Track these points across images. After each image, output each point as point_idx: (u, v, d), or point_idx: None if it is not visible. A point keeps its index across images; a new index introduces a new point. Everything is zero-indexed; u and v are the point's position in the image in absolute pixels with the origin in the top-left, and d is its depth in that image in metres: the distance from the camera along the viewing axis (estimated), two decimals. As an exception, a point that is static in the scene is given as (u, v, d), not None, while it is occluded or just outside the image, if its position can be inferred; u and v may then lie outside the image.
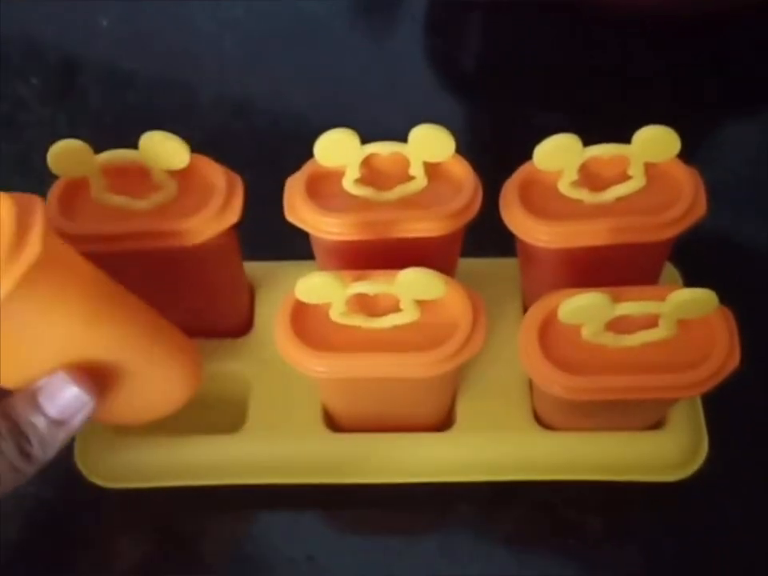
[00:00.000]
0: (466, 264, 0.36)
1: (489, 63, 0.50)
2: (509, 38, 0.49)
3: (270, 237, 0.36)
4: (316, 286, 0.28)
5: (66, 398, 0.27)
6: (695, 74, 0.47)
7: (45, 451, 0.27)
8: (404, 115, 0.45)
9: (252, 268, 0.38)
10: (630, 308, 0.28)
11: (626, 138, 0.42)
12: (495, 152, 0.45)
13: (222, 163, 0.43)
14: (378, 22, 0.50)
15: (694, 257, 0.37)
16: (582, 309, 0.28)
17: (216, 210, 0.31)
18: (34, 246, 0.23)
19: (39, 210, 0.24)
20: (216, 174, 0.32)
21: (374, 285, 0.28)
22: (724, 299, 0.37)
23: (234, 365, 0.36)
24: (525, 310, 0.37)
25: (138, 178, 0.31)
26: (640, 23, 0.48)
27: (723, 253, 0.40)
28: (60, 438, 0.28)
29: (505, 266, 0.37)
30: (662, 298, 0.28)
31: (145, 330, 0.29)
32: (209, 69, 0.48)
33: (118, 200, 0.31)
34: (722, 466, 0.35)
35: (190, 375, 0.31)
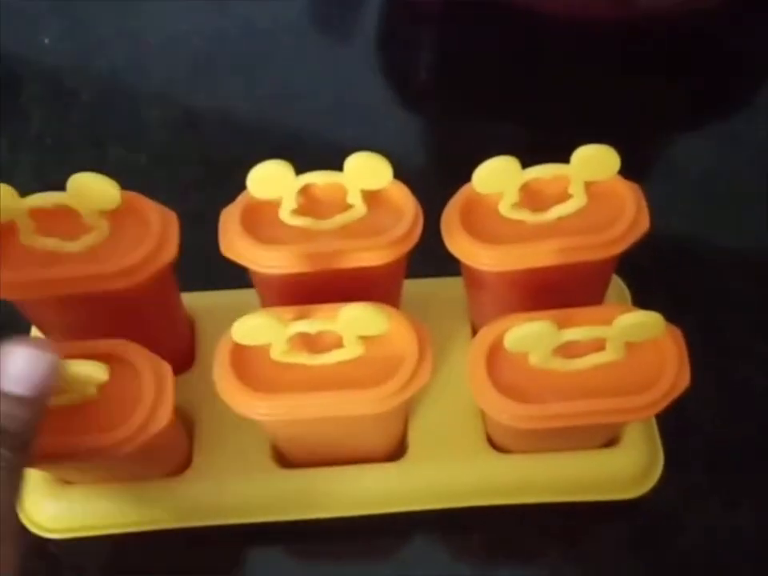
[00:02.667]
0: (412, 285, 0.35)
1: (441, 76, 0.49)
2: (462, 50, 0.49)
3: (218, 261, 0.35)
4: (254, 328, 0.27)
5: (17, 364, 0.24)
6: (651, 84, 0.47)
7: (14, 440, 0.23)
8: (355, 131, 0.45)
9: (192, 299, 0.37)
10: (575, 333, 0.27)
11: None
12: (450, 164, 0.44)
13: (169, 182, 0.42)
14: (329, 36, 0.49)
15: (642, 268, 0.37)
16: (528, 337, 0.27)
17: (150, 250, 0.29)
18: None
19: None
20: (150, 211, 0.30)
21: (314, 323, 0.27)
22: (674, 310, 0.37)
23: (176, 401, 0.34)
24: (473, 330, 0.36)
25: (68, 218, 0.30)
26: (594, 34, 0.47)
27: (671, 262, 0.40)
28: (28, 416, 0.24)
29: (452, 286, 0.36)
30: (609, 322, 0.27)
31: None
32: (155, 85, 0.47)
33: (48, 243, 0.30)
34: (678, 480, 0.34)
35: None
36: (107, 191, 0.29)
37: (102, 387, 0.28)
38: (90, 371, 0.27)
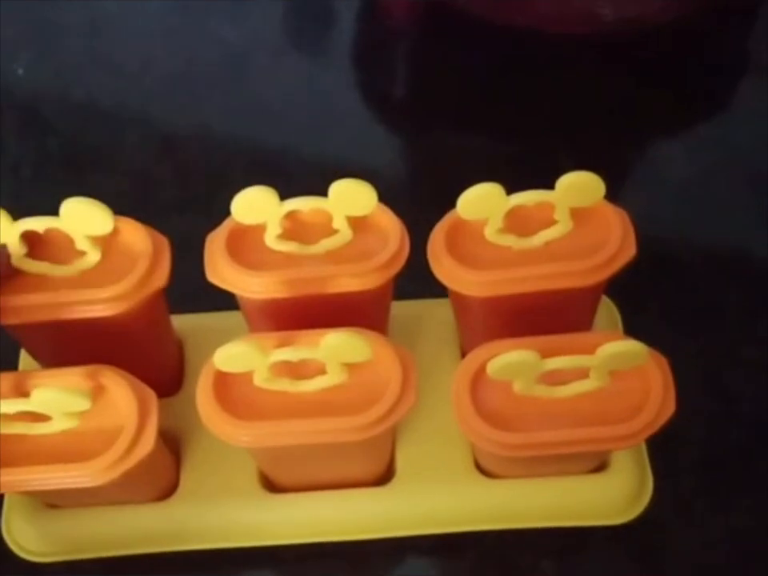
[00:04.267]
0: (400, 307, 0.35)
1: (419, 91, 0.49)
2: (438, 64, 0.49)
3: (202, 284, 0.35)
4: (236, 356, 0.27)
5: None
6: (628, 93, 0.47)
7: None
8: (335, 148, 0.45)
9: (180, 321, 0.37)
10: (558, 363, 0.27)
11: (562, 164, 0.42)
12: (431, 179, 0.45)
13: (151, 206, 0.42)
14: (305, 53, 0.49)
15: (626, 280, 0.36)
16: (510, 366, 0.27)
17: (141, 276, 0.29)
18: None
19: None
20: (141, 237, 0.30)
21: (297, 351, 0.27)
22: (661, 321, 0.37)
23: (164, 425, 0.34)
24: (462, 352, 0.36)
25: (59, 243, 0.30)
26: (569, 46, 0.47)
27: (654, 272, 0.40)
28: None
29: (440, 307, 0.36)
30: (592, 351, 0.27)
31: None
32: (132, 110, 0.47)
33: (40, 267, 0.30)
34: (668, 494, 0.34)
35: None
36: (100, 217, 0.29)
37: (84, 414, 0.28)
38: (72, 402, 0.27)
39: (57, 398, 0.27)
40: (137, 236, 0.30)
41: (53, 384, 0.28)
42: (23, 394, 0.28)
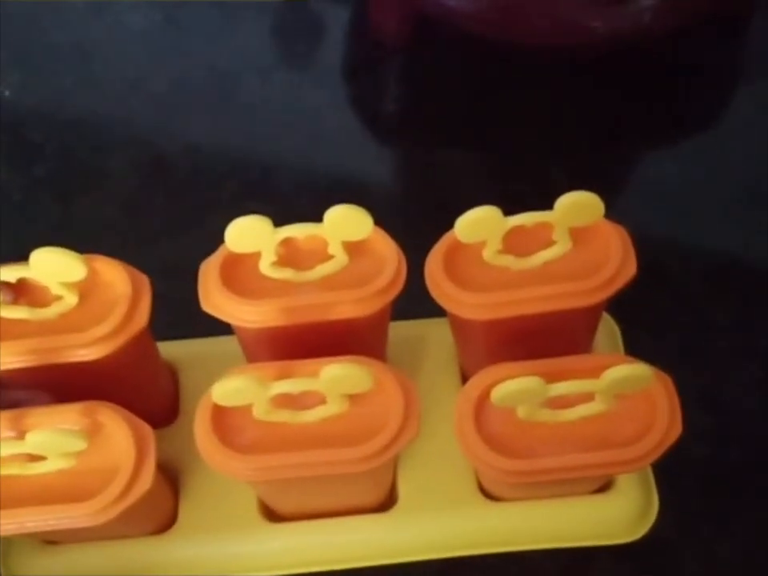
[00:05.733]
0: (398, 328, 0.34)
1: (410, 107, 0.48)
2: (428, 80, 0.48)
3: (196, 309, 0.34)
4: (234, 391, 0.26)
5: None
6: (618, 106, 0.47)
7: None
8: (327, 167, 0.45)
9: (174, 348, 0.36)
10: (563, 388, 0.26)
11: (555, 177, 0.41)
12: (425, 197, 0.44)
13: (140, 230, 0.41)
14: (294, 71, 0.49)
15: (628, 301, 0.36)
16: (514, 393, 0.26)
17: (121, 319, 0.29)
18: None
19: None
20: (120, 276, 0.30)
21: (296, 383, 0.27)
22: (661, 342, 0.37)
23: (160, 457, 0.34)
24: (462, 374, 0.36)
25: (37, 286, 0.29)
26: (565, 61, 0.47)
27: (651, 286, 0.39)
28: None
29: (438, 327, 0.36)
30: (597, 375, 0.26)
31: None
32: (119, 133, 0.46)
33: (18, 312, 0.29)
34: (674, 513, 0.34)
35: None
36: (71, 265, 0.28)
37: (81, 452, 0.27)
38: (68, 442, 0.26)
39: (52, 440, 0.26)
40: (116, 275, 0.30)
41: (49, 422, 0.27)
42: (20, 432, 0.27)
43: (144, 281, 0.30)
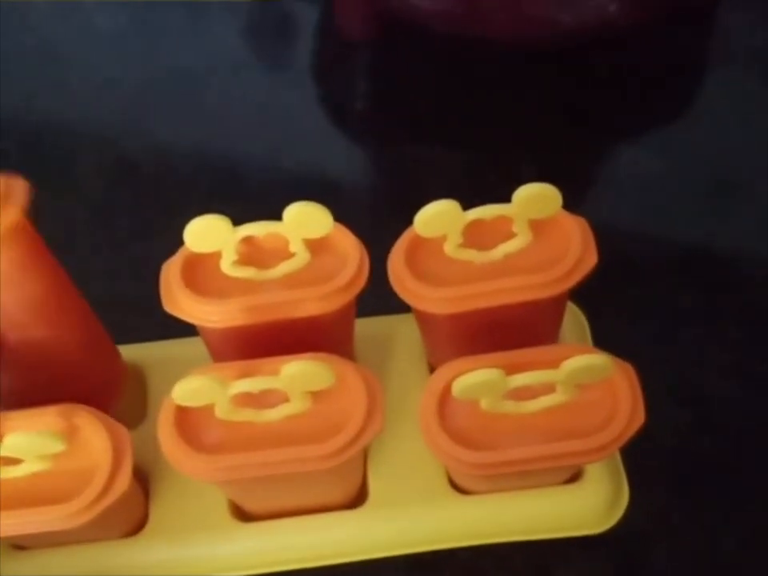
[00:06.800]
0: (364, 325, 0.35)
1: (378, 104, 0.48)
2: (397, 77, 0.48)
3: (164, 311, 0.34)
4: (194, 391, 0.26)
5: None
6: (588, 99, 0.47)
7: None
8: (296, 166, 0.45)
9: (141, 350, 0.36)
10: (523, 379, 0.27)
11: (525, 171, 0.41)
12: (393, 193, 0.44)
13: (108, 233, 0.41)
14: (263, 70, 0.49)
15: (591, 287, 0.36)
16: (475, 386, 0.26)
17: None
18: None
19: None
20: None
21: (257, 381, 0.27)
22: (629, 332, 0.37)
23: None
24: (430, 368, 0.36)
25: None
26: (532, 55, 0.47)
27: (618, 277, 0.40)
28: None
29: (405, 323, 0.36)
30: (557, 365, 0.26)
31: None
32: (86, 136, 0.46)
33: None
34: (644, 502, 0.34)
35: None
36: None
37: (57, 455, 0.27)
38: (45, 444, 0.26)
39: (29, 442, 0.26)
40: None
41: (25, 426, 0.27)
42: None
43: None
